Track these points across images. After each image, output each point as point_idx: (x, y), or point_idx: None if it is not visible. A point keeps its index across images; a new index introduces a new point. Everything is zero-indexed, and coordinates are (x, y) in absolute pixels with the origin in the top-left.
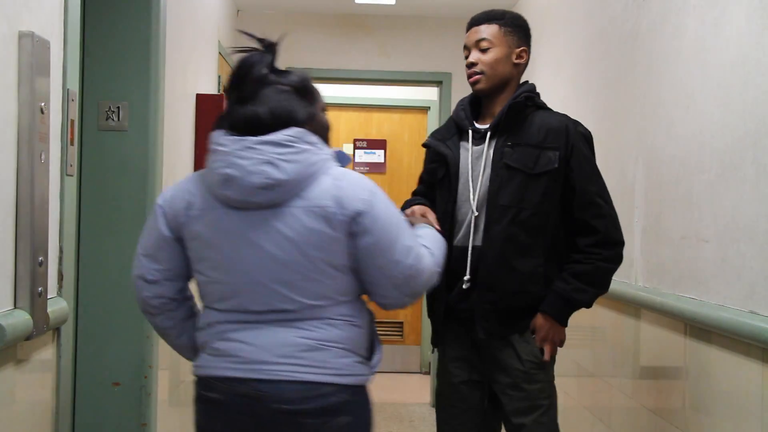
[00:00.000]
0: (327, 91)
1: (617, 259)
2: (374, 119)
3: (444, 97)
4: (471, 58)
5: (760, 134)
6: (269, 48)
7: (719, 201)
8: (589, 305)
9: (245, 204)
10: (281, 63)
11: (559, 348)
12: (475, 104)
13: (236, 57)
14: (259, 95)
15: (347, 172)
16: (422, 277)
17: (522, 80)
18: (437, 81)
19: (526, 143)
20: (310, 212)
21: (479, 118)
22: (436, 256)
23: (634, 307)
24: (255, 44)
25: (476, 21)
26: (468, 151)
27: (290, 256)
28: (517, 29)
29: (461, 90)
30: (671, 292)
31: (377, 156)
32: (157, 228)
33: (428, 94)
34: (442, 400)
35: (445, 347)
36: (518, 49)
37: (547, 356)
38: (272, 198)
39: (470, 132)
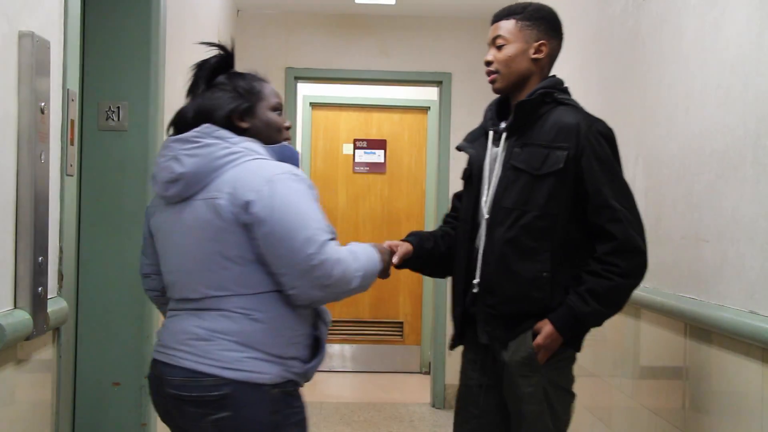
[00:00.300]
0: (327, 91)
1: (639, 272)
2: (374, 119)
3: (444, 97)
4: (487, 56)
5: (760, 134)
6: (224, 52)
7: (719, 201)
8: (599, 325)
9: (165, 199)
10: (283, 62)
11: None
12: (507, 103)
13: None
14: (197, 96)
15: (257, 164)
16: (329, 269)
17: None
18: (437, 81)
19: (537, 143)
20: (205, 204)
21: (507, 117)
22: (359, 260)
23: (634, 307)
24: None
25: (495, 17)
26: (489, 151)
27: (192, 247)
28: (538, 22)
29: (461, 90)
30: (671, 292)
31: (377, 156)
32: (143, 227)
33: (428, 94)
34: (458, 402)
35: (465, 350)
36: (537, 43)
37: (541, 361)
38: (179, 191)
39: (490, 133)
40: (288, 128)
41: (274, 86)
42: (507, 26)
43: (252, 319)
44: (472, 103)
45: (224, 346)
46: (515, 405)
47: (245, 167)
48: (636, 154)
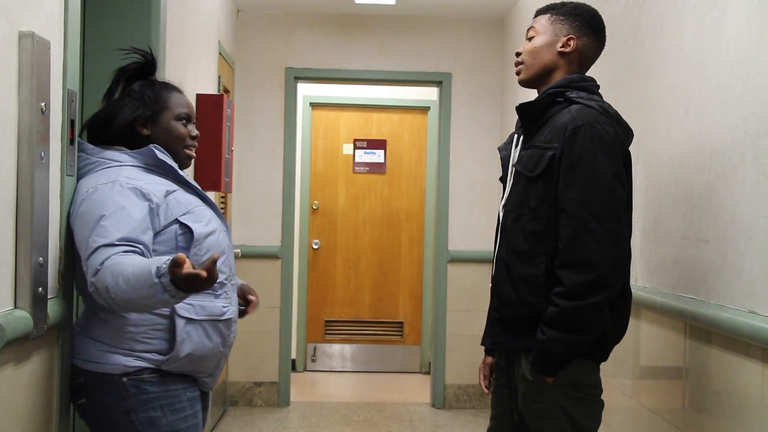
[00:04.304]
0: (327, 91)
1: (586, 291)
2: (374, 119)
3: (444, 97)
4: (518, 48)
5: (760, 134)
6: (146, 59)
7: (719, 201)
8: (575, 354)
9: None
10: (283, 62)
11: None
12: None
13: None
14: (110, 102)
15: (97, 174)
16: (89, 276)
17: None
18: (437, 81)
19: (537, 145)
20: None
21: None
22: (122, 274)
23: (634, 307)
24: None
25: (536, 13)
26: (512, 154)
27: None
28: (571, 18)
29: (461, 90)
30: (671, 292)
31: (377, 156)
32: None
33: (428, 94)
34: (491, 400)
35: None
36: (565, 38)
37: (549, 380)
38: None
39: (516, 135)
40: (194, 137)
41: (187, 97)
42: (541, 20)
43: (97, 317)
44: (472, 103)
45: (84, 340)
46: (532, 420)
47: (89, 178)
48: (636, 154)
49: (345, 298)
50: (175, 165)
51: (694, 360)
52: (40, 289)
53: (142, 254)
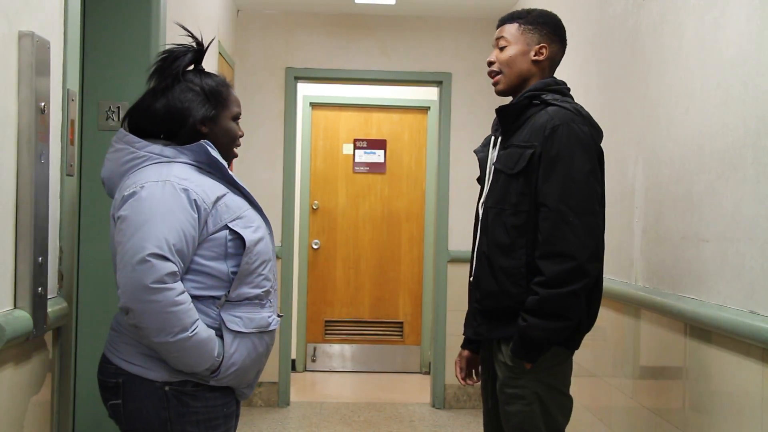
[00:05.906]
0: (327, 91)
1: (566, 279)
2: (374, 119)
3: (444, 97)
4: (490, 57)
5: (760, 134)
6: (198, 47)
7: (719, 201)
8: (555, 340)
9: None
10: (283, 62)
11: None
12: None
13: (163, 48)
14: (167, 90)
15: (146, 170)
16: (153, 271)
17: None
18: (437, 81)
19: (516, 144)
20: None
21: None
22: (185, 315)
23: (634, 307)
24: (188, 40)
25: (500, 21)
26: (490, 155)
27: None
28: (540, 26)
29: (461, 90)
30: (671, 292)
31: (377, 156)
32: None
33: (428, 94)
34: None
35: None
36: (537, 46)
37: (527, 366)
38: (107, 192)
39: (492, 137)
40: (241, 136)
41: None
42: (510, 29)
43: None
44: (472, 103)
45: (125, 339)
46: (505, 405)
47: (137, 173)
48: (636, 154)
49: (345, 298)
50: (225, 163)
51: (694, 360)
52: (40, 289)
53: (180, 279)
